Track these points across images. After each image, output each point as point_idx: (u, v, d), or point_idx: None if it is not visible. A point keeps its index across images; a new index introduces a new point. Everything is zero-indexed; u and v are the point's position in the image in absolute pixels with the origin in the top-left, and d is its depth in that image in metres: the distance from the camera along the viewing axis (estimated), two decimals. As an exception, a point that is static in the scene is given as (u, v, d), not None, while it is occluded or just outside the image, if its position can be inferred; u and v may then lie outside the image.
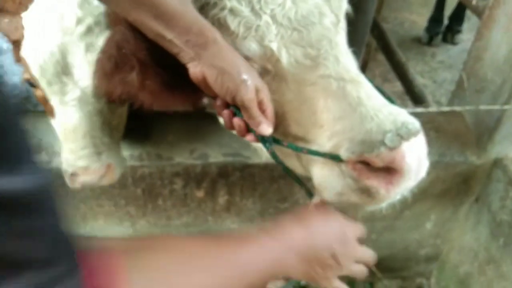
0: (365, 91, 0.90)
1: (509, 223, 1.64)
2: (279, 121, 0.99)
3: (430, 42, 4.59)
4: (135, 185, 1.68)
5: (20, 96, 3.83)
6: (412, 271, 2.19)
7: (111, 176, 1.31)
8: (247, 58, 0.95)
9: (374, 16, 3.42)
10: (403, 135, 0.84)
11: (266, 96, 0.93)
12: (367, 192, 0.89)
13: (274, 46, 0.93)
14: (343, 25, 1.00)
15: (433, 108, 2.00)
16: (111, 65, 0.98)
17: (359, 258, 1.04)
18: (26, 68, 1.25)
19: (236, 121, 0.96)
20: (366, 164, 0.87)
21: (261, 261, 0.87)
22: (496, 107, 1.52)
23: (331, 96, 0.91)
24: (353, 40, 1.09)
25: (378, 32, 3.28)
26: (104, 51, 1.00)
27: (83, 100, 1.24)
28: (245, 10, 0.92)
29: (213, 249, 0.82)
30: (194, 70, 0.90)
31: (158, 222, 1.83)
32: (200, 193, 1.74)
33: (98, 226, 1.84)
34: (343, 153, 0.88)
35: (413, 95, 2.57)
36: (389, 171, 0.86)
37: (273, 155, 1.00)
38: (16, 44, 1.31)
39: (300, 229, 0.94)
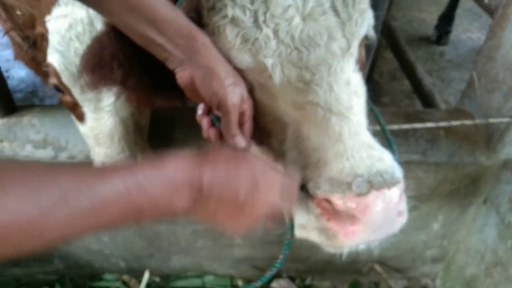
0: (350, 127, 0.86)
1: (518, 225, 1.63)
2: (264, 136, 0.97)
3: (439, 40, 4.55)
4: (141, 181, 1.67)
5: (26, 90, 3.83)
6: (418, 272, 2.17)
7: None
8: (239, 71, 0.92)
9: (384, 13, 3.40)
10: (374, 183, 0.80)
11: (249, 109, 0.92)
12: (326, 234, 0.86)
13: (269, 62, 0.89)
14: (353, 51, 0.93)
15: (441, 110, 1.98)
16: (95, 61, 0.97)
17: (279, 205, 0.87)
18: (53, 74, 1.24)
19: (212, 130, 0.96)
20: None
21: (123, 196, 0.69)
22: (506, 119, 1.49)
23: (314, 125, 0.87)
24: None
25: (387, 30, 3.25)
26: (89, 48, 0.99)
27: (117, 105, 1.24)
28: (247, 20, 0.88)
29: (59, 176, 0.67)
30: (183, 74, 0.89)
31: (164, 219, 1.82)
32: (206, 190, 1.73)
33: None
34: (310, 186, 0.85)
35: (421, 95, 2.54)
36: (353, 218, 0.81)
37: None
38: (28, 40, 1.30)
39: (191, 160, 0.78)
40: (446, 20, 4.50)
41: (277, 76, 0.89)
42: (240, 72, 0.93)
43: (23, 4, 1.39)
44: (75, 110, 1.31)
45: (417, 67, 2.73)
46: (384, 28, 3.28)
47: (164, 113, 1.59)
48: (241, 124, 0.92)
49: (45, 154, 1.60)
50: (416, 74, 2.68)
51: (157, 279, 2.11)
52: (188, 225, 1.86)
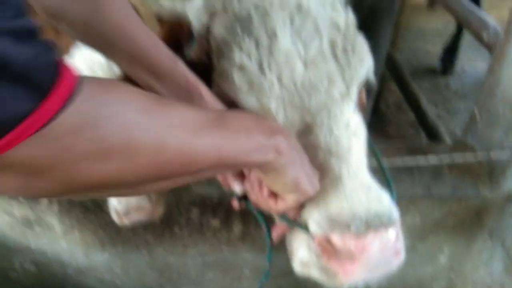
0: (349, 168, 0.90)
1: (523, 258, 1.65)
2: None
3: (444, 71, 4.63)
4: (153, 214, 1.73)
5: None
6: (426, 304, 2.17)
7: (158, 211, 1.39)
8: (246, 111, 0.98)
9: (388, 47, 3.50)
10: (371, 224, 0.83)
11: None
12: (326, 272, 0.90)
13: (272, 105, 0.94)
14: (353, 95, 0.98)
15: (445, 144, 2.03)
16: None
17: None
18: None
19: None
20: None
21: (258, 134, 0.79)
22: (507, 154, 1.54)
23: (315, 166, 0.91)
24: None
25: (391, 63, 3.34)
26: None
27: None
28: (252, 67, 0.94)
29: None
30: None
31: (175, 251, 1.87)
32: (215, 222, 1.78)
33: (116, 253, 1.89)
34: (312, 225, 0.88)
35: (425, 126, 2.60)
36: (351, 257, 0.85)
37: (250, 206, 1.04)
38: None
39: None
40: (450, 51, 4.59)
41: (280, 119, 0.94)
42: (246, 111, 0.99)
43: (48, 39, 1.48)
44: None
45: (421, 99, 2.79)
46: (389, 61, 3.37)
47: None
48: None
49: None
50: (420, 106, 2.75)
51: (167, 310, 2.14)
52: (198, 257, 1.90)
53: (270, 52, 0.94)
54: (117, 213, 1.34)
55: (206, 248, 1.85)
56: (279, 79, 0.93)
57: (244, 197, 1.03)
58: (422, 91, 4.26)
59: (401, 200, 1.69)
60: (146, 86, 0.96)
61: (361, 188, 0.88)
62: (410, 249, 1.88)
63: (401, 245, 0.92)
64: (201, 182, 1.69)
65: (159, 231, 1.80)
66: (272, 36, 0.94)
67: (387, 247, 0.86)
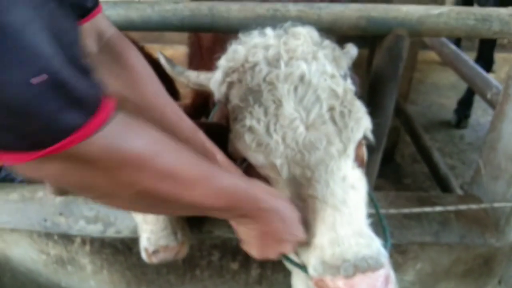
0: (342, 218, 1.02)
1: (531, 306, 1.70)
2: None
3: (459, 124, 4.74)
4: (177, 255, 1.85)
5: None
6: None
7: (183, 251, 1.51)
8: (256, 166, 1.14)
9: (401, 102, 3.66)
10: (359, 267, 0.94)
11: None
12: None
13: (278, 162, 1.09)
14: (350, 153, 1.12)
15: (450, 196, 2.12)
16: None
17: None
18: None
19: None
20: None
21: (243, 188, 0.96)
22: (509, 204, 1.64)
23: (313, 215, 1.05)
24: (374, 132, 1.27)
25: (404, 117, 3.48)
26: None
27: None
28: (261, 129, 1.11)
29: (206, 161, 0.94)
30: None
31: (195, 292, 1.97)
32: (235, 265, 1.89)
33: (140, 293, 2.00)
34: (309, 269, 1.01)
35: (437, 178, 2.70)
36: None
37: None
38: None
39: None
40: (465, 104, 4.71)
41: (284, 173, 1.10)
42: (255, 168, 1.15)
43: None
44: None
45: (433, 152, 2.91)
46: (402, 115, 3.52)
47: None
48: None
49: (95, 228, 1.82)
50: (432, 159, 2.86)
51: None
52: (217, 299, 1.99)
53: (276, 117, 1.12)
54: (147, 252, 1.47)
55: (225, 290, 1.96)
56: (283, 140, 1.10)
57: None
58: (436, 142, 4.39)
59: (411, 245, 1.79)
60: None
61: (352, 235, 1.00)
62: (421, 296, 1.95)
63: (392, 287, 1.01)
64: (223, 226, 1.82)
65: (181, 272, 1.92)
66: (278, 103, 1.12)
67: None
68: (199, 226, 1.81)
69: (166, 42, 5.40)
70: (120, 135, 0.72)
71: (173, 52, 4.99)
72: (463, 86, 5.00)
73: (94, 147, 0.68)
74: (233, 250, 1.84)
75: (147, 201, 0.85)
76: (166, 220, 1.46)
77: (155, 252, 1.46)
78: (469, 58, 2.44)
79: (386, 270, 0.99)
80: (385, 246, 1.06)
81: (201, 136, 1.15)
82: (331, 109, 1.14)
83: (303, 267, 1.05)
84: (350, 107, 1.16)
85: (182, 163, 0.85)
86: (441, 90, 5.55)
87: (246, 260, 1.87)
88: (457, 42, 5.48)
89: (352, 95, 1.21)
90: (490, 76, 2.17)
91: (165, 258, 1.47)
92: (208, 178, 0.89)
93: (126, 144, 0.73)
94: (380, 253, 1.00)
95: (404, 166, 4.18)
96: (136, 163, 0.75)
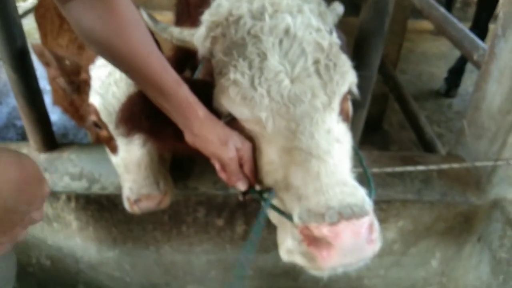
0: (327, 168, 1.02)
1: (507, 260, 1.75)
2: (261, 175, 1.16)
3: (448, 93, 4.76)
4: (162, 211, 1.87)
5: (57, 133, 4.15)
6: (420, 310, 2.26)
7: (166, 201, 1.53)
8: (240, 121, 1.15)
9: (390, 69, 3.66)
10: (343, 214, 0.95)
11: (246, 153, 1.14)
12: (307, 257, 1.02)
13: (263, 115, 1.09)
14: (335, 106, 1.12)
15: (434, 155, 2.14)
16: (127, 115, 1.22)
17: None
18: (93, 112, 1.50)
19: (222, 175, 1.19)
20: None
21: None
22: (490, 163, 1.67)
23: (298, 166, 1.05)
24: (360, 87, 1.27)
25: (393, 84, 3.48)
26: (123, 105, 1.24)
27: (142, 139, 1.48)
28: (245, 83, 1.10)
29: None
30: (187, 137, 1.16)
31: (181, 248, 1.99)
32: (220, 222, 1.91)
33: (126, 249, 2.02)
34: (295, 217, 1.01)
35: (423, 142, 2.72)
36: (328, 244, 0.97)
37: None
38: (73, 85, 1.57)
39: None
40: (456, 73, 4.72)
41: (269, 126, 1.09)
42: (240, 122, 1.15)
43: (72, 55, 1.68)
44: (110, 143, 1.55)
45: (419, 117, 2.92)
46: (391, 82, 3.52)
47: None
48: (241, 166, 1.15)
49: (80, 185, 1.82)
50: (419, 124, 2.87)
51: (172, 309, 2.25)
52: (202, 255, 2.02)
53: (261, 70, 1.10)
54: (129, 201, 1.48)
55: (210, 246, 1.98)
56: (268, 93, 1.09)
57: (246, 192, 1.19)
58: (425, 111, 4.41)
59: (393, 203, 1.82)
60: (155, 102, 1.15)
61: (336, 184, 1.01)
62: (404, 253, 2.00)
63: (376, 236, 1.02)
64: (208, 183, 1.83)
65: (167, 228, 1.93)
66: (263, 57, 1.11)
67: (359, 235, 0.97)
68: (184, 182, 1.82)
69: (154, 8, 5.30)
70: None
71: (161, 18, 4.85)
72: (453, 56, 5.00)
73: None
74: (219, 207, 1.86)
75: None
76: (148, 169, 1.47)
77: (137, 201, 1.47)
78: (458, 21, 2.42)
79: (371, 218, 1.00)
80: (369, 195, 1.08)
81: (185, 90, 1.14)
82: (316, 62, 1.13)
83: (288, 216, 1.07)
84: (336, 61, 1.15)
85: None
86: (431, 59, 5.55)
87: (231, 216, 1.89)
88: (448, 7, 5.45)
89: (338, 49, 1.20)
90: (478, 39, 2.16)
91: (147, 207, 1.48)
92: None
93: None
94: (364, 201, 1.01)
95: (391, 133, 4.21)
96: None
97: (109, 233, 1.98)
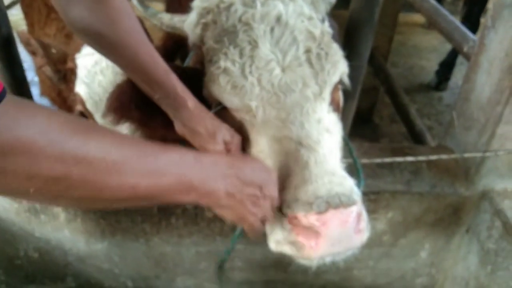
0: (316, 157, 1.02)
1: (495, 251, 1.76)
2: None
3: (438, 86, 4.77)
4: (151, 203, 1.85)
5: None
6: (409, 300, 2.27)
7: None
8: (230, 110, 1.14)
9: (381, 61, 3.65)
10: (331, 203, 0.95)
11: (234, 146, 1.13)
12: (295, 246, 1.02)
13: (253, 104, 1.08)
14: (325, 96, 1.12)
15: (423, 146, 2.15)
16: (116, 104, 1.20)
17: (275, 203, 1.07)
18: (79, 102, 1.48)
19: None
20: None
21: (173, 169, 0.86)
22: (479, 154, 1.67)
23: (287, 155, 1.05)
24: (350, 77, 1.26)
25: (384, 76, 3.49)
26: (112, 93, 1.22)
27: (131, 128, 1.46)
28: (236, 71, 1.09)
29: (127, 139, 0.85)
30: (176, 125, 1.15)
31: (170, 240, 1.98)
32: (210, 214, 1.90)
33: (115, 242, 2.00)
34: (283, 206, 1.02)
35: (413, 135, 2.73)
36: (316, 233, 0.97)
37: None
38: (60, 73, 1.55)
39: (227, 158, 0.99)
40: (447, 67, 4.74)
41: (259, 115, 1.09)
42: (230, 111, 1.14)
43: (58, 43, 1.65)
44: None
45: (410, 110, 2.93)
46: (382, 75, 3.52)
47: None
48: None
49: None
50: (409, 116, 2.88)
51: (162, 301, 2.24)
52: (192, 247, 2.01)
53: (252, 58, 1.10)
54: None
55: (200, 238, 1.97)
56: (259, 82, 1.08)
57: None
58: (415, 104, 4.42)
59: (383, 194, 1.82)
60: (145, 91, 1.13)
61: (325, 174, 1.01)
62: (393, 244, 2.01)
63: (364, 226, 1.03)
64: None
65: (156, 220, 1.92)
66: (254, 44, 1.10)
67: (347, 224, 0.98)
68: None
69: (144, -2, 5.24)
70: (9, 118, 0.64)
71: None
72: (444, 49, 5.01)
73: None
74: (208, 198, 1.85)
75: (64, 192, 0.75)
76: None
77: None
78: (448, 13, 2.42)
79: (359, 208, 1.01)
80: (358, 186, 1.07)
81: (173, 81, 1.12)
82: (307, 51, 1.12)
83: (277, 207, 1.06)
84: (327, 50, 1.15)
85: (90, 149, 0.74)
86: (422, 52, 5.56)
87: (221, 208, 1.88)
88: (439, 0, 5.45)
89: (330, 38, 1.19)
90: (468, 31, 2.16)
91: None
92: (127, 163, 0.79)
93: (16, 130, 0.65)
94: (352, 191, 1.01)
95: (381, 126, 4.22)
96: (28, 150, 0.66)
97: (98, 225, 1.96)
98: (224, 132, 1.13)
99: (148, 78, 1.10)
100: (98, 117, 1.46)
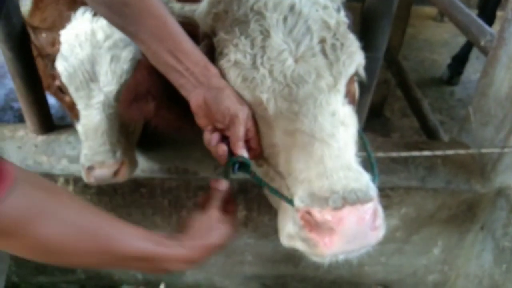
0: (330, 152, 0.98)
1: (511, 249, 1.73)
2: (262, 159, 1.12)
3: (450, 80, 4.70)
4: (162, 196, 1.84)
5: (56, 116, 4.10)
6: (420, 297, 2.25)
7: (123, 173, 1.47)
8: None
9: (393, 54, 3.60)
10: (348, 199, 0.91)
11: (252, 128, 1.08)
12: (308, 243, 0.98)
13: (264, 97, 1.04)
14: (340, 88, 1.07)
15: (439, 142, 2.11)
16: (131, 96, 1.17)
17: None
18: (57, 76, 1.46)
19: (221, 146, 1.10)
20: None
21: (135, 244, 1.02)
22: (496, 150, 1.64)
23: (301, 149, 1.00)
24: (366, 70, 1.23)
25: (396, 69, 3.43)
26: (128, 86, 1.19)
27: (106, 103, 1.44)
28: (247, 63, 1.05)
29: (100, 217, 1.05)
30: (196, 97, 1.07)
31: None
32: (220, 207, 1.88)
33: (125, 234, 2.00)
34: (296, 201, 0.98)
35: (426, 130, 2.68)
36: (330, 230, 0.93)
37: (257, 179, 1.14)
38: (49, 58, 1.52)
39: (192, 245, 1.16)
40: (460, 61, 4.65)
41: (271, 108, 1.04)
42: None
43: (47, 26, 1.63)
44: (73, 109, 1.51)
45: (423, 104, 2.88)
46: (394, 67, 3.47)
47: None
48: (247, 141, 1.09)
49: (78, 168, 1.78)
50: (422, 111, 2.83)
51: (171, 293, 2.24)
52: (202, 241, 2.00)
53: (263, 49, 1.05)
54: (84, 168, 1.44)
55: (210, 232, 1.96)
56: (271, 73, 1.04)
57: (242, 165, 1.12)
58: (427, 98, 4.35)
59: (397, 190, 1.79)
60: (167, 67, 1.08)
61: (341, 169, 0.97)
62: (406, 240, 1.98)
63: (380, 222, 0.98)
64: (209, 168, 1.80)
65: (167, 213, 1.91)
66: (266, 34, 1.06)
67: (363, 221, 0.93)
68: (184, 167, 1.79)
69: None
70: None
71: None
72: (456, 43, 4.93)
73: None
74: (219, 192, 1.83)
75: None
76: (106, 135, 1.42)
77: (91, 168, 1.42)
78: (464, 6, 2.37)
79: (375, 204, 0.97)
80: (373, 181, 1.04)
81: (200, 52, 1.09)
82: (322, 41, 1.08)
83: (290, 200, 1.03)
84: (343, 40, 1.10)
85: (64, 233, 0.91)
86: (434, 46, 5.48)
87: (232, 202, 1.86)
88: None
89: (345, 28, 1.15)
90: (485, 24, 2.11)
91: (101, 176, 1.43)
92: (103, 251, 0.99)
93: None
94: (369, 187, 0.97)
95: (393, 120, 4.17)
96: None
97: (108, 217, 1.95)
98: (248, 107, 1.08)
99: (176, 47, 1.06)
100: (72, 90, 1.43)
